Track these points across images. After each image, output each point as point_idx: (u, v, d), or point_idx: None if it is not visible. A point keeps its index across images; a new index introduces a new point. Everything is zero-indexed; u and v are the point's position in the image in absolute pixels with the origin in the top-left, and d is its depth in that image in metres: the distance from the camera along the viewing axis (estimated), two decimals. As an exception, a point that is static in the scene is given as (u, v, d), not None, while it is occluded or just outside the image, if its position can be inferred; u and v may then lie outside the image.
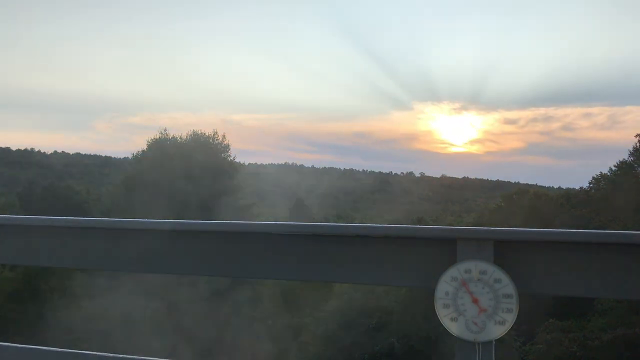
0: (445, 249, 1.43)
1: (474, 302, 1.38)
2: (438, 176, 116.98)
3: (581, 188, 28.42)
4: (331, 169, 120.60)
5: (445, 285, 1.40)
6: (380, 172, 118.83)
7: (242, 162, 42.88)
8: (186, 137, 36.16)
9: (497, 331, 1.37)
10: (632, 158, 22.45)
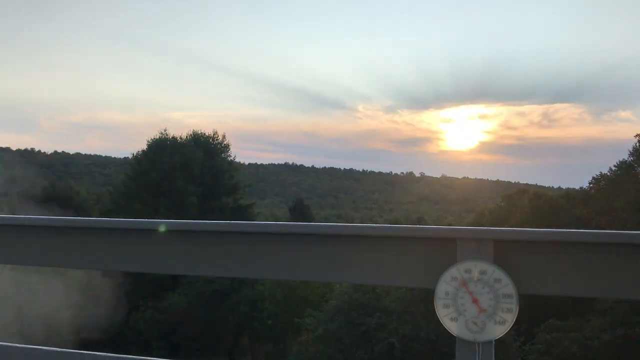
0: (445, 249, 1.43)
1: (474, 302, 1.38)
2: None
3: (581, 188, 28.44)
4: (331, 169, 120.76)
5: (445, 285, 1.40)
6: (380, 172, 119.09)
7: (242, 162, 42.91)
8: (186, 137, 36.15)
9: (497, 331, 1.37)
10: (632, 158, 22.42)
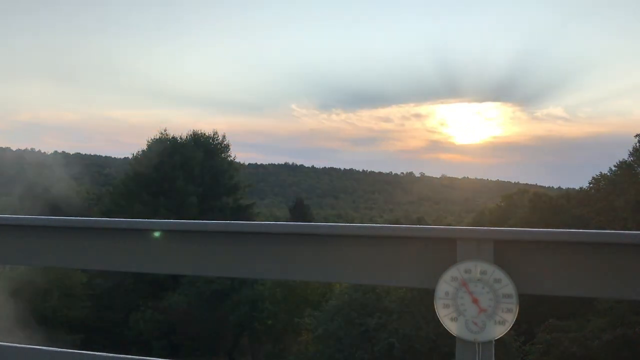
0: (445, 249, 1.43)
1: (474, 302, 1.38)
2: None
3: (581, 188, 28.42)
4: (331, 169, 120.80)
5: (445, 285, 1.40)
6: (380, 172, 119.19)
7: (242, 162, 42.90)
8: (186, 137, 36.12)
9: (497, 331, 1.37)
10: (632, 158, 22.40)
